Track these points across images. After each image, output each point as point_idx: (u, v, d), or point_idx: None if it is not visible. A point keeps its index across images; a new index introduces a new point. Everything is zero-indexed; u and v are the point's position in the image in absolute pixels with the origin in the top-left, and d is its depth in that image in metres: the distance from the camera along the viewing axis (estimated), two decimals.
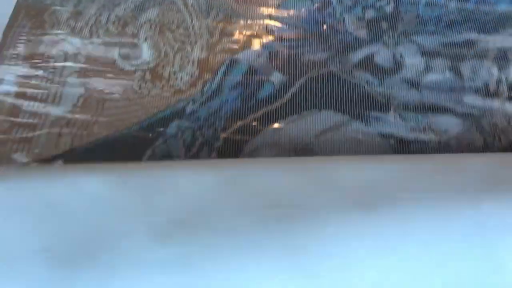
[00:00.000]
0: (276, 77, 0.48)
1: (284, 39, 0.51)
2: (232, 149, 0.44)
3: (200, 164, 0.39)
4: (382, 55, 0.50)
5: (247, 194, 0.34)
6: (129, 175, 0.36)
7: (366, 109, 0.47)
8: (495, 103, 0.47)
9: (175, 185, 0.35)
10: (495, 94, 0.47)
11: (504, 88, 0.47)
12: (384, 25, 0.52)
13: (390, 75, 0.48)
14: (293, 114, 0.46)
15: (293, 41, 0.51)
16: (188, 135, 0.45)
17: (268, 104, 0.47)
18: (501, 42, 0.50)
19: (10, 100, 0.46)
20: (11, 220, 0.32)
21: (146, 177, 0.36)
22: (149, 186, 0.35)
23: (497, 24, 0.52)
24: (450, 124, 0.45)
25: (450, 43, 0.51)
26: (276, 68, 0.49)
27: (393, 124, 0.46)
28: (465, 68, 0.49)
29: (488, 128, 0.45)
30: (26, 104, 0.46)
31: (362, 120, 0.46)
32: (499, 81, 0.48)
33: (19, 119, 0.45)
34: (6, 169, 0.38)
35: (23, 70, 0.48)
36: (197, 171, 0.36)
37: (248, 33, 0.52)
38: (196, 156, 0.43)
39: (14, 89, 0.47)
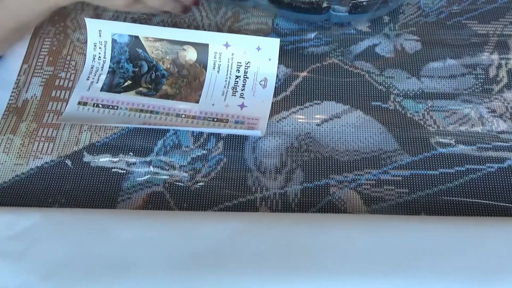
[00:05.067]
0: (281, 70, 0.51)
1: (288, 34, 0.54)
2: (238, 138, 0.47)
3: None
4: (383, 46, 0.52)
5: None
6: None
7: (366, 98, 0.49)
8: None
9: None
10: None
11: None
12: (386, 18, 0.54)
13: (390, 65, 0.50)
14: (295, 105, 0.49)
15: (297, 35, 0.53)
16: None
17: (273, 96, 0.49)
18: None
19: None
20: None
21: None
22: None
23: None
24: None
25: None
26: (281, 61, 0.51)
27: (393, 112, 0.48)
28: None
29: None
30: None
31: (362, 109, 0.48)
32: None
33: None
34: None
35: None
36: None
37: (254, 28, 0.54)
38: (203, 145, 0.47)
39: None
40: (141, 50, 0.51)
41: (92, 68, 0.51)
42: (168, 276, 0.36)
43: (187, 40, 0.50)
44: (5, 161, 0.47)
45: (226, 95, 0.49)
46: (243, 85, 0.49)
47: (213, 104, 0.49)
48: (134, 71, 0.51)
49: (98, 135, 0.48)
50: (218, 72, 0.50)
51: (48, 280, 0.36)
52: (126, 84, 0.50)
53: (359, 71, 0.50)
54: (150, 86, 0.50)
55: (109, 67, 0.51)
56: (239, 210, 0.43)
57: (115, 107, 0.49)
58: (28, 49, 0.54)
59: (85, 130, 0.48)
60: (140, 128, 0.48)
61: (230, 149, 0.46)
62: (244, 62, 0.50)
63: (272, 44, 0.48)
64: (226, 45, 0.49)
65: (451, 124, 0.47)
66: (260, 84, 0.49)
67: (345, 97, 0.49)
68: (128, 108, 0.49)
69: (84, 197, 0.44)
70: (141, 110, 0.49)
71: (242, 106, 0.48)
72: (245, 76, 0.50)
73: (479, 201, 0.43)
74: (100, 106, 0.49)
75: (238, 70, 0.50)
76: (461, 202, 0.43)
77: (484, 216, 0.42)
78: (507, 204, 0.42)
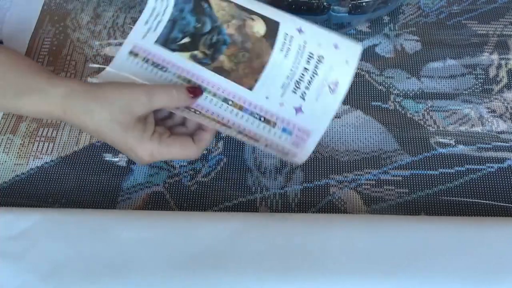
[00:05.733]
0: None
1: None
2: None
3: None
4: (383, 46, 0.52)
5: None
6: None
7: (366, 98, 0.49)
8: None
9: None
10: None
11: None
12: (386, 18, 0.54)
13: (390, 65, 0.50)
14: None
15: None
16: None
17: None
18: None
19: None
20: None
21: None
22: None
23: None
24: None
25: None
26: None
27: (393, 112, 0.48)
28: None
29: None
30: None
31: (362, 109, 0.48)
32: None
33: None
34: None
35: None
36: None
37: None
38: None
39: None
40: (206, 5, 0.45)
41: (154, 10, 0.46)
42: (168, 276, 0.36)
43: (256, 11, 0.44)
44: (5, 161, 0.47)
45: (285, 89, 0.43)
46: (309, 82, 0.43)
47: (266, 97, 0.43)
48: (195, 27, 0.45)
49: None
50: (285, 56, 0.43)
51: (48, 280, 0.36)
52: (183, 41, 0.45)
53: (359, 71, 0.50)
54: (207, 52, 0.44)
55: (171, 14, 0.46)
56: (239, 210, 0.43)
57: (164, 69, 0.44)
58: (28, 49, 0.54)
59: None
60: None
61: (230, 149, 0.46)
62: (317, 55, 0.43)
63: (352, 48, 0.42)
64: (300, 30, 0.43)
65: (451, 124, 0.47)
66: (329, 87, 0.42)
67: (345, 97, 0.49)
68: (176, 74, 0.44)
69: (84, 197, 0.44)
70: (189, 81, 0.43)
71: (298, 110, 0.42)
72: (314, 72, 0.43)
73: (479, 201, 0.43)
74: (150, 62, 0.44)
75: (308, 62, 0.43)
76: (461, 202, 0.43)
77: (484, 216, 0.42)
78: (507, 204, 0.42)
